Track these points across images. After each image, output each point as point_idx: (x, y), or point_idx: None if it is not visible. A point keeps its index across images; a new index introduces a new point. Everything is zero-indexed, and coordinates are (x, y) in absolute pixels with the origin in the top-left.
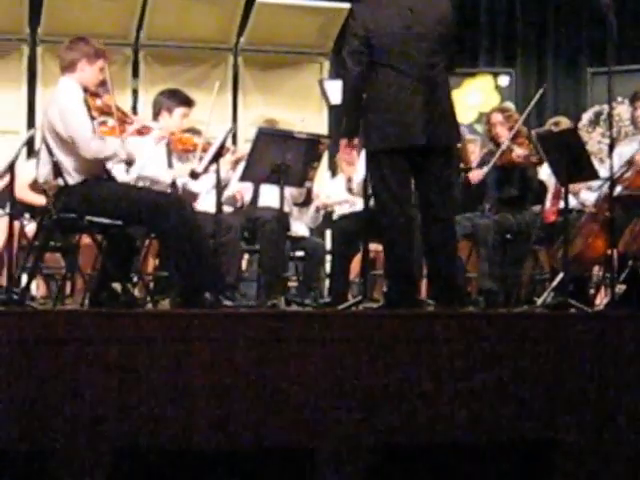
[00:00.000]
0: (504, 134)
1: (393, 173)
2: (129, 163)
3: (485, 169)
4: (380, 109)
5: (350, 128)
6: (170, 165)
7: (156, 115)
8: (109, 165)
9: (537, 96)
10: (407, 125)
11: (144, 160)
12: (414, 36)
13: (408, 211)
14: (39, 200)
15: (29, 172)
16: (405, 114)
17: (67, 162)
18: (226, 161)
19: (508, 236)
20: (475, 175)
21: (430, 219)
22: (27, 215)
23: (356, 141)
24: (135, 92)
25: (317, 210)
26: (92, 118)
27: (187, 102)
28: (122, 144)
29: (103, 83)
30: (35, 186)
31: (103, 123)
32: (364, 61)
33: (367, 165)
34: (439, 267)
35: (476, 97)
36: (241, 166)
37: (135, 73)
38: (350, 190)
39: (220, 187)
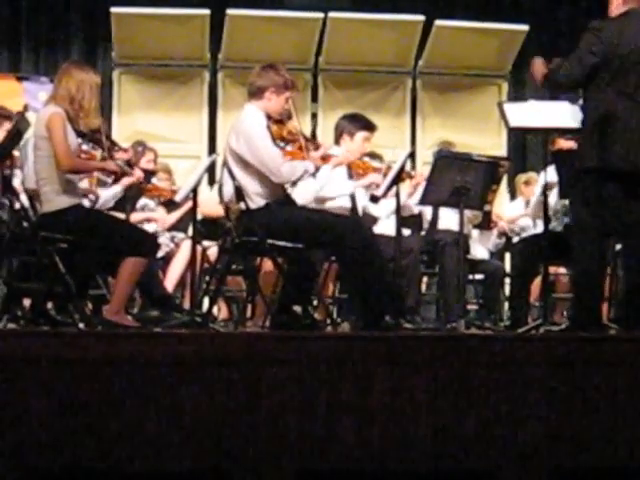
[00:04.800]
0: None
1: (599, 194)
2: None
3: None
4: (605, 129)
5: None
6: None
7: (338, 139)
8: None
9: None
10: (629, 148)
11: (320, 184)
12: None
13: (603, 234)
14: None
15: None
16: (629, 136)
17: (250, 186)
18: (405, 186)
19: None
20: None
21: (631, 244)
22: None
23: None
24: (314, 116)
25: (499, 236)
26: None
27: (369, 126)
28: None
29: (286, 110)
30: None
31: (283, 148)
32: (584, 76)
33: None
34: (633, 291)
35: None
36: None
37: (314, 98)
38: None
39: (400, 211)
